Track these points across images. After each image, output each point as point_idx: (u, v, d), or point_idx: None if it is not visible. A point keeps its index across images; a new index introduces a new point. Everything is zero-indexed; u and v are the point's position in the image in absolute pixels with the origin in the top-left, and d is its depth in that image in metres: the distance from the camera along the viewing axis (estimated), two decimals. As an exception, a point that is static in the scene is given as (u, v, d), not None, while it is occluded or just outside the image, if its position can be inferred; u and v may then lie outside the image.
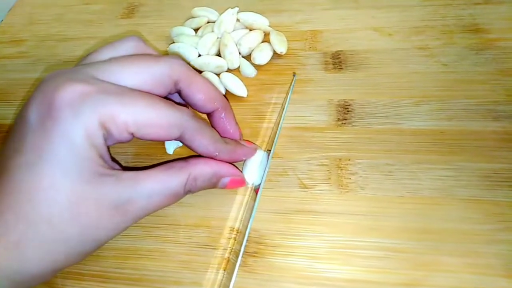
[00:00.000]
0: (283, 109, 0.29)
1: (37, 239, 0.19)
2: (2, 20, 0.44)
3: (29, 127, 0.19)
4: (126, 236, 0.25)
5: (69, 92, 0.19)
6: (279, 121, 0.29)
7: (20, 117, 0.20)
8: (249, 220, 0.24)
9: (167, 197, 0.21)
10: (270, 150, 0.28)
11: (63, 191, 0.19)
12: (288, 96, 0.30)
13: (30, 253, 0.19)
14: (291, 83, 0.32)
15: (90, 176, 0.19)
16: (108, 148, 0.21)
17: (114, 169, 0.21)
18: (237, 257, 0.23)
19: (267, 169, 0.26)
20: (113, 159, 0.22)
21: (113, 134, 0.20)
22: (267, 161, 0.27)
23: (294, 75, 0.32)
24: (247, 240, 0.24)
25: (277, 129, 0.28)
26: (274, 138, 0.28)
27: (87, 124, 0.19)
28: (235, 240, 0.24)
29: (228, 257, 0.24)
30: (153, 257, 0.24)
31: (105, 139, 0.20)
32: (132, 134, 0.20)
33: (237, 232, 0.25)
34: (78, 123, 0.19)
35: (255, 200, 0.25)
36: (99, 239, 0.21)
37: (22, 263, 0.19)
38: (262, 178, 0.26)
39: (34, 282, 0.20)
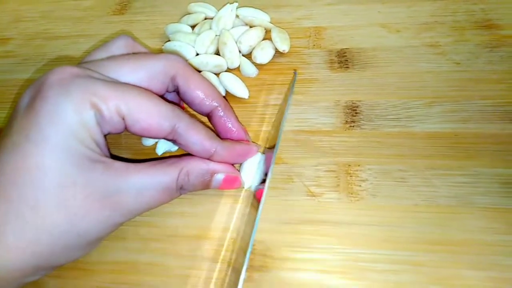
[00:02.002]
0: (285, 109, 0.28)
1: (19, 225, 0.18)
2: (-14, 17, 0.42)
3: (19, 110, 0.19)
4: (124, 249, 0.24)
5: (60, 73, 0.19)
6: (280, 121, 0.27)
7: (15, 106, 0.20)
8: (252, 230, 0.23)
9: (159, 192, 0.21)
10: (269, 149, 0.26)
11: (50, 172, 0.18)
12: (290, 96, 0.28)
13: (10, 241, 0.17)
14: (291, 81, 0.30)
15: (79, 159, 0.18)
16: (105, 136, 0.20)
17: (106, 156, 0.20)
18: (240, 271, 0.21)
19: (270, 175, 0.24)
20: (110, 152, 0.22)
21: (104, 117, 0.19)
22: (271, 165, 0.25)
23: (295, 73, 0.30)
24: (251, 253, 0.22)
25: (278, 131, 0.27)
26: (277, 141, 0.26)
27: (77, 101, 0.18)
28: (238, 252, 0.23)
29: (231, 271, 0.22)
30: (152, 271, 0.23)
31: (98, 122, 0.19)
32: (123, 119, 0.20)
33: (240, 244, 0.23)
34: (68, 99, 0.18)
35: (257, 208, 0.24)
36: (86, 232, 0.19)
37: (1, 253, 0.17)
38: (266, 184, 0.24)
39: (13, 282, 0.19)
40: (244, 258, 0.21)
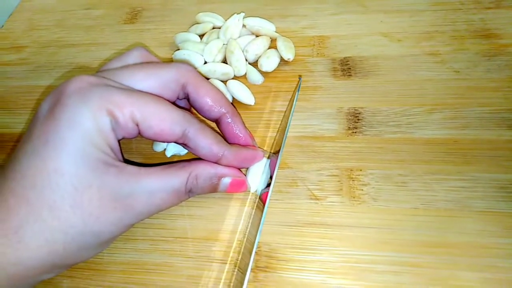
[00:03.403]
0: (290, 113, 0.29)
1: (37, 225, 0.18)
2: (2, 26, 0.44)
3: (39, 117, 0.20)
4: (134, 249, 0.25)
5: (78, 82, 0.20)
6: (285, 126, 0.28)
7: (35, 113, 0.21)
8: (257, 232, 0.24)
9: (169, 195, 0.22)
10: (274, 154, 0.27)
11: (67, 176, 0.19)
12: (295, 100, 0.29)
13: (28, 240, 0.18)
14: (297, 86, 0.31)
15: (94, 163, 0.19)
16: (119, 141, 0.21)
17: (119, 160, 0.21)
18: (246, 271, 0.22)
19: (274, 179, 0.25)
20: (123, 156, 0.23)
21: (120, 123, 0.20)
22: (275, 169, 0.26)
23: (300, 78, 0.31)
24: (256, 253, 0.23)
25: (283, 136, 0.27)
26: (281, 145, 0.27)
27: (94, 108, 0.19)
28: (244, 254, 0.24)
29: (238, 272, 0.23)
30: (161, 271, 0.24)
31: (113, 128, 0.20)
32: (137, 125, 0.21)
33: (246, 245, 0.24)
34: (85, 107, 0.19)
35: (262, 210, 0.24)
36: (100, 232, 0.20)
37: (19, 251, 0.18)
38: (271, 188, 0.25)
39: (30, 279, 0.20)
40: (249, 259, 0.22)
